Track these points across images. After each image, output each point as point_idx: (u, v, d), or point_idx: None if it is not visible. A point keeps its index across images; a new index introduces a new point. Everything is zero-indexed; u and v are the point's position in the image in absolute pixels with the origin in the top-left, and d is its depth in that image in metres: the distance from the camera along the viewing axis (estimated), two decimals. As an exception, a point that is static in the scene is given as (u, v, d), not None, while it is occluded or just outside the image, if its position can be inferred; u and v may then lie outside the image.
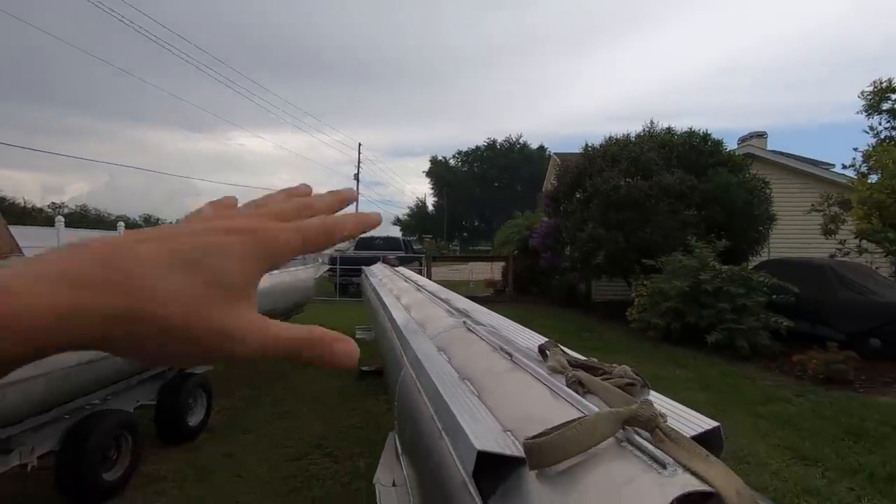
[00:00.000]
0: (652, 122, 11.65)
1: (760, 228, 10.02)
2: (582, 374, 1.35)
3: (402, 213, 66.33)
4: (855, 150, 9.75)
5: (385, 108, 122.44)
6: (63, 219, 14.04)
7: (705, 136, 10.78)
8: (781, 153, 13.75)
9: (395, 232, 51.98)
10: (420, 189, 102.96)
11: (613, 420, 0.98)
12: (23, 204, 41.28)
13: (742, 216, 9.55)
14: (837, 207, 9.63)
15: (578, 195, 10.79)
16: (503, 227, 19.03)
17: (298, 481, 3.45)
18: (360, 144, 42.71)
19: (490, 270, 18.07)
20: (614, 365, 1.44)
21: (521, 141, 61.54)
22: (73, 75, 79.70)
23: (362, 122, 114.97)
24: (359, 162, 42.50)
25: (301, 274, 6.99)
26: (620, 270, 10.41)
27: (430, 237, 50.28)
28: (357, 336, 6.19)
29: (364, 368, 6.02)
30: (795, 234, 11.77)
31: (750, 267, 8.64)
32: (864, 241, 9.19)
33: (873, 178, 9.33)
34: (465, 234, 63.81)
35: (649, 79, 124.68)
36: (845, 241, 9.40)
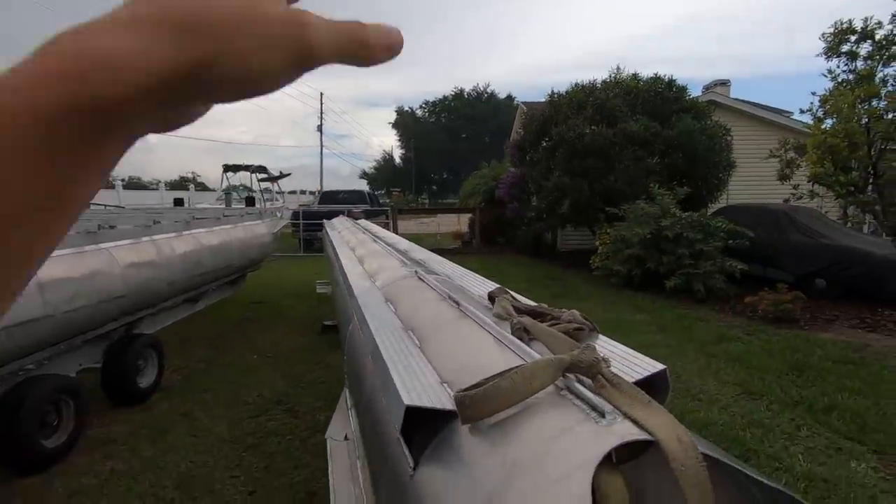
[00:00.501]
0: (618, 69, 11.41)
1: (720, 175, 10.17)
2: (527, 320, 1.27)
3: (368, 166, 64.80)
4: (813, 94, 9.81)
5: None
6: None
7: (670, 83, 10.68)
8: (744, 101, 13.83)
9: (362, 185, 50.95)
10: (387, 141, 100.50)
11: (553, 367, 0.90)
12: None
13: (703, 163, 9.65)
14: (793, 153, 9.82)
15: (544, 144, 10.63)
16: (470, 178, 18.80)
17: (257, 438, 3.39)
18: (321, 94, 40.82)
19: (457, 222, 18.00)
20: (563, 310, 1.36)
21: (488, 90, 60.08)
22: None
23: (326, 71, 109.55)
24: (321, 113, 40.75)
25: (258, 229, 6.72)
26: (585, 219, 10.48)
27: (397, 191, 49.55)
28: (318, 291, 6.06)
29: (327, 323, 5.94)
30: (755, 180, 12.05)
31: (709, 213, 8.82)
32: (816, 186, 9.46)
33: (829, 123, 9.49)
34: (433, 186, 63.03)
35: (618, 26, 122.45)
36: (798, 185, 9.66)
